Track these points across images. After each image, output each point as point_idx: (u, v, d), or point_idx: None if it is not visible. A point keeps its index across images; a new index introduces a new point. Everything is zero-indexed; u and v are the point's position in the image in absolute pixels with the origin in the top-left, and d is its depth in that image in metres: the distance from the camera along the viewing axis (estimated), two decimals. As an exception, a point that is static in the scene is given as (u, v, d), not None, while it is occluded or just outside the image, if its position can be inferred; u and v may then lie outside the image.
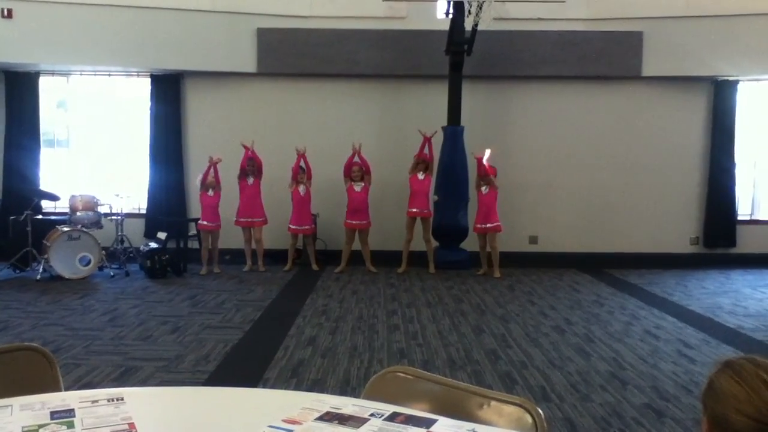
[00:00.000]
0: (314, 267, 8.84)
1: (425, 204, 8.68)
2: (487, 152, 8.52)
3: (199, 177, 8.61)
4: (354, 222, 8.69)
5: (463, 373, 4.67)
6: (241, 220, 8.71)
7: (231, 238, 8.88)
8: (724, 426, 1.30)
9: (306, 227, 8.79)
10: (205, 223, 8.57)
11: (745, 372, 1.31)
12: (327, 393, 3.74)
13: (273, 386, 4.28)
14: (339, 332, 5.73)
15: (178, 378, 4.49)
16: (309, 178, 8.66)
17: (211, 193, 8.51)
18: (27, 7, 8.87)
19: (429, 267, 8.77)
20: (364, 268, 8.80)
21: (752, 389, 1.28)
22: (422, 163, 8.69)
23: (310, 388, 4.26)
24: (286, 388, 4.19)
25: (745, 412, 1.27)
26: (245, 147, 8.60)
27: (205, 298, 7.06)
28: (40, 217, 8.46)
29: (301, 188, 8.64)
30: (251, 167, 8.62)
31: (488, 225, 8.50)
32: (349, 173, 8.67)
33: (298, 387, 4.31)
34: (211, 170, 8.51)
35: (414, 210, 8.69)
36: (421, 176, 8.68)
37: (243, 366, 4.86)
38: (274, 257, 9.23)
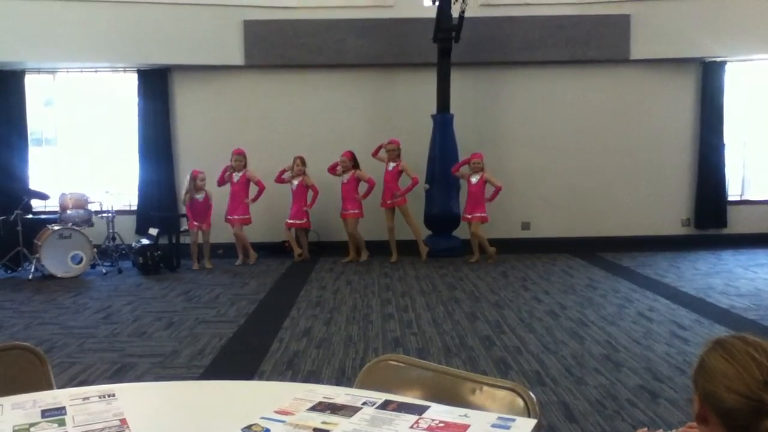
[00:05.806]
0: (305, 257, 8.84)
1: (393, 193, 8.66)
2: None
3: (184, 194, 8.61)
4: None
5: (458, 360, 4.69)
6: (229, 217, 8.70)
7: (223, 233, 8.84)
8: (715, 403, 1.31)
9: (301, 221, 8.80)
10: (195, 223, 8.53)
11: (735, 350, 1.32)
12: (323, 384, 3.74)
13: (269, 378, 4.27)
14: (334, 323, 5.73)
15: (173, 373, 4.48)
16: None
17: (199, 197, 8.47)
18: (10, 4, 8.77)
19: (420, 254, 8.73)
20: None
21: (742, 367, 1.29)
22: (392, 151, 8.64)
23: (306, 380, 4.26)
24: (281, 380, 4.20)
25: (736, 390, 1.27)
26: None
27: (199, 293, 7.05)
28: (30, 216, 8.40)
29: (295, 182, 8.70)
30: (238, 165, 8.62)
31: (476, 215, 8.52)
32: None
33: (293, 378, 4.31)
34: (191, 185, 8.46)
35: (386, 201, 8.75)
36: (390, 167, 8.69)
37: (238, 359, 4.86)
38: (269, 250, 9.22)
